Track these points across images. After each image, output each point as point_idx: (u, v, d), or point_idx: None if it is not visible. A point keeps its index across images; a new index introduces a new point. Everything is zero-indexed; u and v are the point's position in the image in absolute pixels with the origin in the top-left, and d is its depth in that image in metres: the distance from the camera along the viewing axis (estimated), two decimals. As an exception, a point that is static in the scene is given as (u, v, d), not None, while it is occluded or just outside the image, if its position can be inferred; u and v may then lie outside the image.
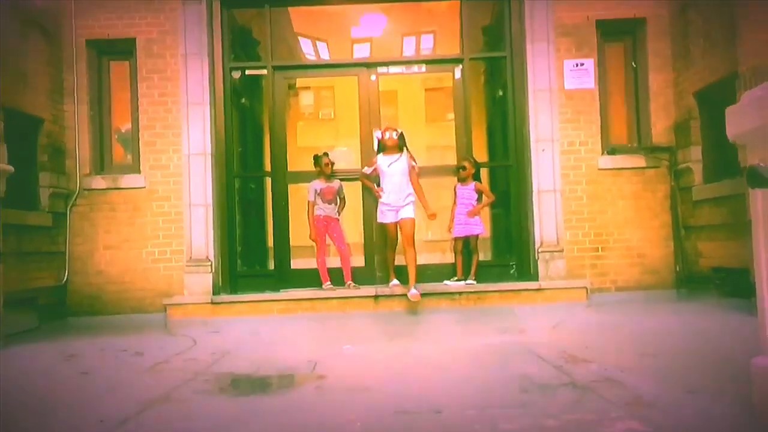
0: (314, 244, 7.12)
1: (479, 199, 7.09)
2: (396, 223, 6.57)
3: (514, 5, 7.39)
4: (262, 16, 7.59)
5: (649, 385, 3.32)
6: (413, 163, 6.66)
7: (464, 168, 7.06)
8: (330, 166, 7.16)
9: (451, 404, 3.13)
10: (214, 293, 6.97)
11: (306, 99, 11.83)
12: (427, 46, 9.15)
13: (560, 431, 2.62)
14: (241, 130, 7.89)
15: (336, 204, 7.17)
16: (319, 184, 7.14)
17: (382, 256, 7.12)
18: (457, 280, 7.02)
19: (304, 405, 3.34)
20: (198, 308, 6.83)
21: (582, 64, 7.19)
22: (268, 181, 7.78)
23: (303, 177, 7.52)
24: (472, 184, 7.04)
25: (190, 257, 7.04)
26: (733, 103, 2.82)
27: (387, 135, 6.70)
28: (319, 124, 12.15)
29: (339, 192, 7.22)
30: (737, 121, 2.64)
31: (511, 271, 7.42)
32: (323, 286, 6.90)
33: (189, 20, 7.15)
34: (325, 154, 7.24)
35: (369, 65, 7.60)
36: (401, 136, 6.70)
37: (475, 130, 7.80)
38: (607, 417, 2.77)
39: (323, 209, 7.11)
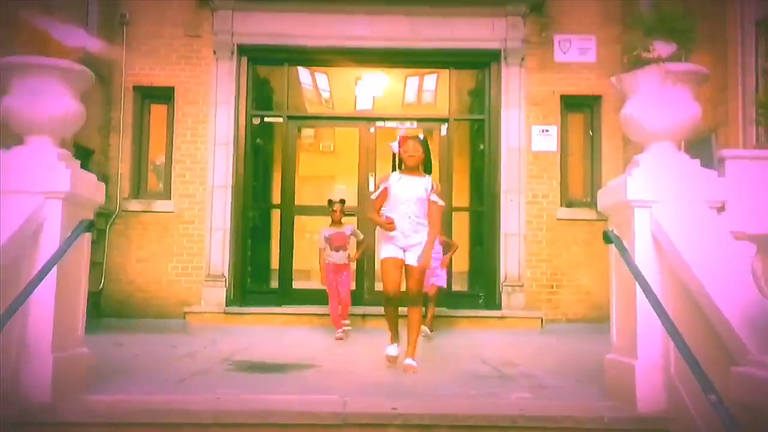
0: (326, 289, 7.38)
1: (444, 251, 7.34)
2: (400, 262, 5.08)
3: (494, 76, 8.94)
4: (281, 73, 9.14)
5: (554, 378, 4.74)
6: (436, 198, 5.14)
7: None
8: (339, 214, 7.37)
9: (410, 385, 4.54)
10: (227, 305, 8.39)
11: (307, 132, 13.22)
12: (425, 101, 10.70)
13: (479, 397, 4.03)
14: (254, 167, 9.35)
15: (346, 250, 7.35)
16: (328, 230, 7.39)
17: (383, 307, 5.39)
18: None
19: (307, 379, 4.75)
20: (213, 316, 8.23)
21: (547, 130, 8.73)
22: (274, 212, 9.24)
23: (307, 210, 9.01)
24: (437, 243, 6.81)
25: (208, 273, 8.46)
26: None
27: (410, 144, 5.07)
28: (319, 155, 13.53)
29: (354, 235, 7.52)
30: (603, 198, 4.12)
31: (480, 301, 8.84)
32: (335, 334, 7.14)
33: (220, 74, 8.68)
34: (341, 201, 7.50)
35: (369, 119, 9.14)
36: (424, 143, 5.19)
37: (457, 178, 9.29)
38: (512, 391, 4.19)
39: (332, 257, 7.31)
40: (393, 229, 5.03)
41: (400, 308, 5.23)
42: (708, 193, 3.66)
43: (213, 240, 8.50)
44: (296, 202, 9.05)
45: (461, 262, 9.10)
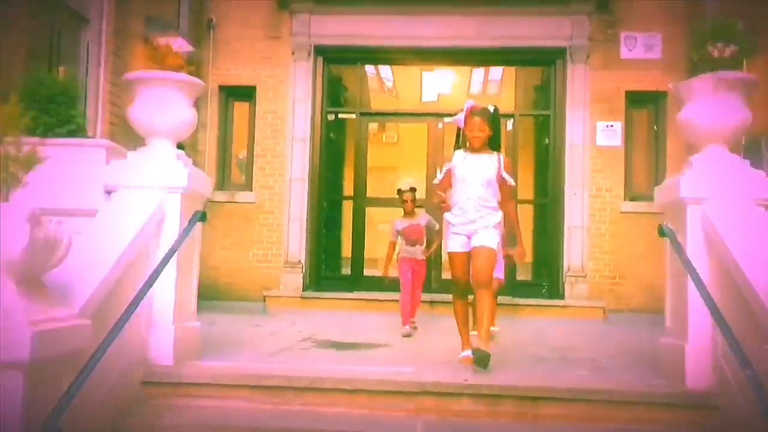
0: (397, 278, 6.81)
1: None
2: (466, 254, 4.71)
3: (559, 73, 9.27)
4: (353, 71, 9.70)
5: (612, 361, 5.15)
6: (507, 177, 4.71)
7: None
8: (411, 204, 6.72)
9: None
10: (303, 290, 9.03)
11: (372, 123, 13.72)
12: (491, 97, 11.08)
13: (541, 373, 4.49)
14: (327, 161, 9.94)
15: (422, 244, 6.76)
16: (401, 222, 6.79)
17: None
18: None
19: (379, 356, 5.30)
20: (290, 300, 8.89)
21: (611, 126, 9.02)
22: (345, 203, 9.84)
23: (377, 202, 9.56)
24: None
25: (286, 260, 9.12)
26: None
27: (476, 122, 4.60)
28: (382, 146, 14.08)
29: (430, 225, 6.88)
30: (660, 195, 4.50)
31: (543, 291, 9.22)
32: (402, 329, 6.57)
33: (298, 74, 9.30)
34: (412, 189, 6.88)
35: (437, 115, 9.60)
36: (494, 117, 4.69)
37: (522, 171, 9.67)
38: (573, 370, 4.63)
39: (407, 251, 6.75)
40: (446, 208, 4.74)
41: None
42: (756, 191, 4.01)
43: (291, 229, 9.15)
44: (368, 195, 9.62)
45: (528, 254, 9.47)
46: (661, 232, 4.31)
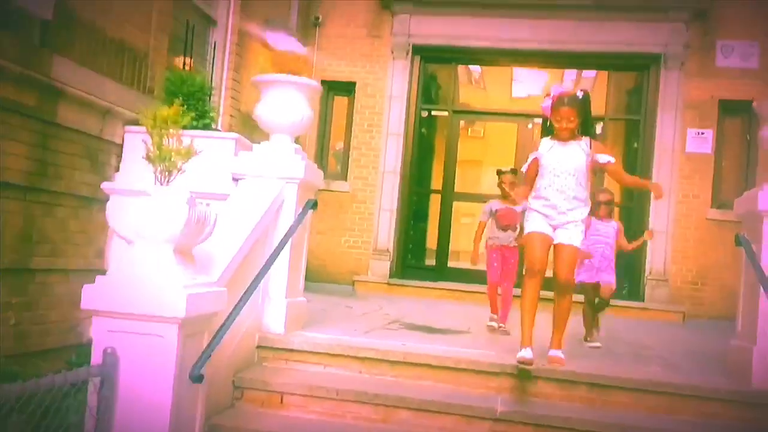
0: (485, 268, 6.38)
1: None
2: (549, 240, 4.54)
3: (652, 79, 9.45)
4: (448, 70, 10.17)
5: (684, 360, 5.45)
6: (603, 158, 4.55)
7: (607, 200, 5.99)
8: (509, 186, 6.02)
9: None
10: (390, 276, 9.61)
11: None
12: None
13: (614, 366, 4.86)
14: (419, 156, 10.45)
15: (516, 231, 6.12)
16: (496, 203, 6.23)
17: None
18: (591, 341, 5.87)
19: (463, 340, 5.77)
20: (377, 286, 9.49)
21: (702, 133, 9.13)
22: (433, 196, 10.32)
23: (464, 197, 10.00)
24: (613, 222, 5.98)
25: (375, 248, 9.72)
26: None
27: (564, 111, 4.38)
28: (468, 140, 14.46)
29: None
30: (739, 206, 4.79)
31: (624, 292, 9.45)
32: (489, 320, 6.35)
33: (396, 71, 9.85)
34: (513, 171, 6.27)
35: (527, 116, 9.95)
36: (584, 103, 4.44)
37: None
38: (645, 366, 4.98)
39: (497, 237, 6.21)
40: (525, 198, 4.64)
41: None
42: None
43: (381, 219, 9.74)
44: (456, 191, 10.10)
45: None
46: (738, 242, 4.61)
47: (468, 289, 9.16)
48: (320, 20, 9.94)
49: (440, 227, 10.06)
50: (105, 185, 3.69)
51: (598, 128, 9.70)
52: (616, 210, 10.06)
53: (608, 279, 5.82)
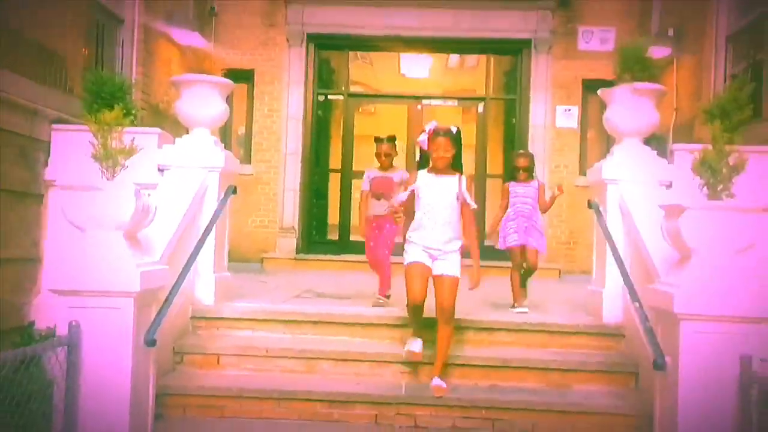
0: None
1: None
2: (428, 271, 4.73)
3: (524, 62, 10.58)
4: (342, 57, 10.91)
5: (554, 306, 6.54)
6: (468, 197, 4.80)
7: (525, 166, 6.04)
8: (386, 158, 6.14)
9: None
10: (296, 252, 10.34)
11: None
12: (465, 82, 12.36)
13: (494, 313, 5.84)
14: (317, 137, 11.16)
15: (389, 199, 5.99)
16: (374, 172, 6.25)
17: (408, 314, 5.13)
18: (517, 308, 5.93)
19: (368, 303, 6.62)
20: (285, 262, 10.19)
21: (569, 110, 10.37)
22: (333, 175, 11.09)
23: (361, 175, 10.81)
24: (534, 182, 6.07)
25: (281, 226, 10.42)
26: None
27: (440, 142, 4.67)
28: (360, 116, 15.24)
29: (404, 183, 5.64)
30: (589, 176, 5.87)
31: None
32: (374, 300, 6.11)
33: (293, 58, 10.50)
34: (389, 139, 6.29)
35: (417, 98, 10.88)
36: (457, 137, 4.75)
37: (492, 148, 11.01)
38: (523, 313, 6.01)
39: (375, 207, 6.17)
40: (400, 220, 4.85)
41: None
42: (660, 175, 5.38)
43: (286, 199, 10.44)
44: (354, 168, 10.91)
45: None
46: (589, 205, 5.69)
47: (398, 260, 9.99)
48: (215, 11, 10.40)
49: (341, 204, 10.87)
50: (59, 181, 4.18)
51: (480, 107, 10.78)
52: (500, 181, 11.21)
53: (534, 243, 5.95)
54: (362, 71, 11.95)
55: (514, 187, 6.05)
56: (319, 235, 11.12)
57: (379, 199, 6.19)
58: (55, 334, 4.07)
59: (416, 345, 4.90)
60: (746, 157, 4.07)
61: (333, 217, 11.15)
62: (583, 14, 10.41)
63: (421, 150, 4.93)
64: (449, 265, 4.73)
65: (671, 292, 3.98)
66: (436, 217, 4.73)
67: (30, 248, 5.43)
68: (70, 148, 5.52)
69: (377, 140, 6.37)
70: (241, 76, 10.58)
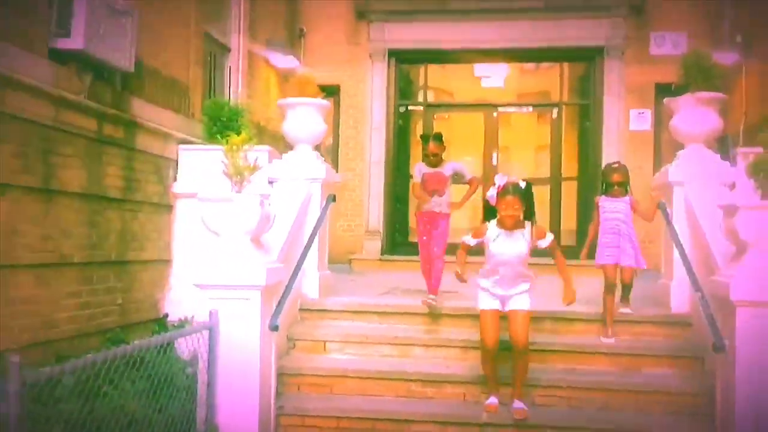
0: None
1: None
2: (497, 315, 5.02)
3: (597, 68, 11.05)
4: (420, 69, 11.67)
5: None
6: (541, 242, 5.01)
7: (620, 181, 5.87)
8: (434, 157, 6.23)
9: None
10: (381, 254, 11.14)
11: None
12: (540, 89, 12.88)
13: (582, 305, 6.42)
14: (398, 146, 11.92)
15: (442, 196, 6.19)
16: (424, 167, 6.33)
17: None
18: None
19: (451, 297, 7.31)
20: (371, 263, 10.99)
21: (642, 113, 10.78)
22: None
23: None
24: (626, 197, 5.89)
25: (367, 229, 11.24)
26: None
27: (509, 200, 4.78)
28: (438, 122, 15.91)
29: (458, 175, 6.34)
30: (656, 179, 6.37)
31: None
32: (426, 298, 6.08)
33: (375, 73, 11.32)
34: (435, 137, 6.35)
35: (492, 105, 11.51)
36: (526, 192, 4.87)
37: (567, 152, 11.51)
38: (599, 305, 6.57)
39: (429, 203, 6.20)
40: (463, 280, 5.20)
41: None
42: (722, 177, 5.86)
43: (371, 204, 11.26)
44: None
45: (570, 221, 11.31)
46: (658, 206, 6.21)
47: (451, 260, 10.68)
48: (304, 31, 11.33)
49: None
50: (200, 195, 5.03)
51: (554, 113, 11.32)
52: (575, 183, 11.69)
53: (628, 261, 5.76)
54: (440, 82, 12.65)
55: (603, 202, 5.92)
56: (401, 237, 11.88)
57: (432, 195, 6.21)
58: (190, 323, 4.96)
59: (493, 400, 5.14)
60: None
61: (413, 220, 11.84)
62: (655, 20, 10.79)
63: (488, 203, 5.00)
64: (521, 301, 5.00)
65: (728, 281, 4.53)
66: (506, 271, 4.95)
67: (163, 251, 6.40)
68: (194, 165, 6.48)
69: (423, 138, 6.63)
70: (328, 91, 11.41)
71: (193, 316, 5.66)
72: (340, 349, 5.91)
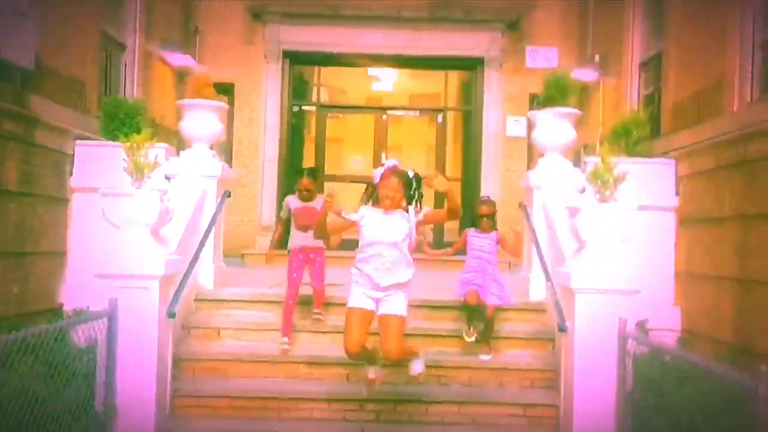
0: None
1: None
2: (370, 315, 4.68)
3: (479, 77, 11.98)
4: (314, 71, 12.21)
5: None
6: (420, 216, 4.71)
7: (488, 214, 6.15)
8: (307, 193, 6.27)
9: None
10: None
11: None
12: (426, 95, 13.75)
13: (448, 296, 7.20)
14: (292, 144, 12.42)
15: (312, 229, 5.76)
16: (294, 201, 6.37)
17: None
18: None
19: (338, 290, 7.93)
20: (263, 257, 11.32)
21: (518, 120, 11.79)
22: (306, 178, 12.38)
23: (333, 178, 12.16)
24: (492, 234, 6.17)
25: (261, 225, 11.67)
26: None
27: (392, 182, 4.55)
28: (330, 121, 16.42)
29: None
30: (521, 182, 7.26)
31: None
32: (279, 344, 6.07)
33: (269, 73, 11.76)
34: (309, 172, 6.53)
35: (382, 108, 12.23)
36: (413, 183, 4.67)
37: (450, 153, 12.40)
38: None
39: (297, 239, 6.31)
40: (336, 210, 4.60)
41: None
42: (576, 183, 6.77)
43: (264, 200, 11.71)
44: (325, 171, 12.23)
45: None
46: (520, 206, 7.08)
47: (342, 255, 11.32)
48: (200, 30, 11.60)
49: (314, 204, 12.16)
50: (102, 189, 5.34)
51: (440, 118, 12.17)
52: (459, 183, 12.59)
53: (492, 300, 6.01)
54: (333, 83, 13.27)
55: (471, 237, 6.16)
56: (294, 233, 12.36)
57: (305, 231, 6.16)
58: (85, 313, 5.30)
59: (372, 371, 4.95)
60: (627, 170, 5.47)
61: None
62: (530, 35, 11.84)
63: (370, 185, 4.70)
64: (395, 305, 4.63)
65: (569, 272, 5.39)
66: (377, 254, 4.59)
67: (59, 242, 6.64)
68: (90, 160, 6.75)
69: (302, 171, 6.62)
70: (223, 89, 11.78)
71: (88, 306, 5.96)
72: (234, 336, 6.40)
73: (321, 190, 6.49)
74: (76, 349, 5.30)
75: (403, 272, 4.67)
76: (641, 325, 5.94)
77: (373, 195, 4.67)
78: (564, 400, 5.65)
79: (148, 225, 5.35)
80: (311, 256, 6.34)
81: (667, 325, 6.50)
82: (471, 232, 6.20)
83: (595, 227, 5.36)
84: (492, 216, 6.16)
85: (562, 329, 5.50)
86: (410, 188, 4.63)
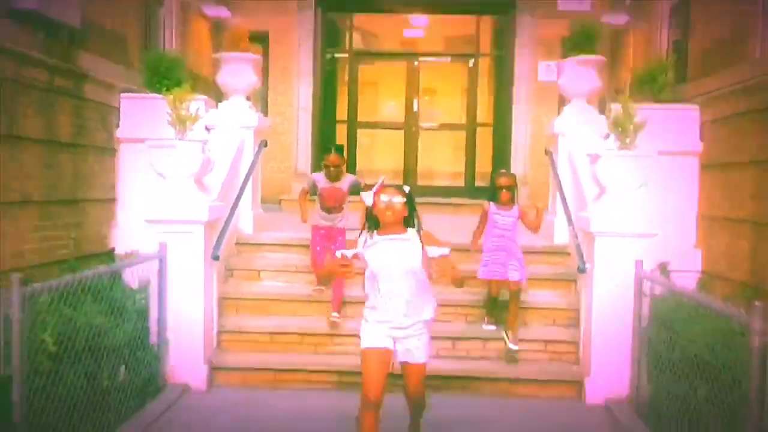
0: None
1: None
2: (388, 356, 4.01)
3: (511, 20, 12.03)
4: (347, 18, 12.40)
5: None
6: (437, 252, 3.95)
7: (508, 186, 5.88)
8: (334, 169, 6.29)
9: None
10: (309, 194, 11.98)
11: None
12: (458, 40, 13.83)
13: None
14: (326, 92, 12.70)
15: (341, 212, 6.31)
16: (322, 179, 6.39)
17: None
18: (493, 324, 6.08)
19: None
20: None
21: (549, 65, 11.84)
22: (339, 125, 12.68)
23: (365, 125, 12.44)
24: (513, 210, 5.97)
25: (296, 171, 12.08)
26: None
27: (384, 199, 3.88)
28: (363, 68, 16.64)
29: (354, 188, 6.27)
30: (546, 129, 7.49)
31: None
32: (331, 316, 6.12)
33: (302, 21, 11.98)
34: (337, 148, 6.48)
35: (414, 54, 12.39)
36: (409, 197, 3.95)
37: (481, 100, 12.57)
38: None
39: (322, 219, 6.36)
40: (350, 275, 3.91)
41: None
42: (599, 128, 6.98)
43: (299, 147, 12.08)
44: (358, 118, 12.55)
45: (484, 164, 12.44)
46: (546, 152, 7.33)
47: (374, 200, 11.72)
48: (233, -21, 11.82)
49: (349, 151, 12.51)
50: (148, 141, 5.76)
51: (471, 62, 12.31)
52: (490, 129, 12.81)
53: (516, 276, 5.84)
54: (365, 30, 13.43)
55: (494, 214, 5.91)
56: (328, 178, 12.75)
57: (330, 212, 6.31)
58: (137, 256, 5.79)
59: None
60: (647, 117, 5.68)
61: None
62: (562, -22, 11.79)
63: (367, 209, 4.02)
64: (416, 351, 4.05)
65: (589, 217, 5.68)
66: (393, 290, 3.93)
67: (108, 190, 7.13)
68: (135, 112, 7.16)
69: (326, 151, 6.64)
70: (257, 39, 12.08)
71: (138, 250, 6.46)
72: (272, 277, 6.87)
73: (349, 169, 6.57)
74: (129, 288, 5.83)
75: (428, 307, 4.07)
76: (663, 267, 6.26)
77: (371, 220, 4.00)
78: (583, 336, 6.01)
79: (192, 174, 5.77)
80: (333, 234, 6.39)
81: (687, 266, 6.77)
82: (493, 208, 5.89)
83: (615, 173, 5.63)
84: (511, 188, 5.87)
85: (582, 270, 5.82)
86: (412, 203, 3.97)
